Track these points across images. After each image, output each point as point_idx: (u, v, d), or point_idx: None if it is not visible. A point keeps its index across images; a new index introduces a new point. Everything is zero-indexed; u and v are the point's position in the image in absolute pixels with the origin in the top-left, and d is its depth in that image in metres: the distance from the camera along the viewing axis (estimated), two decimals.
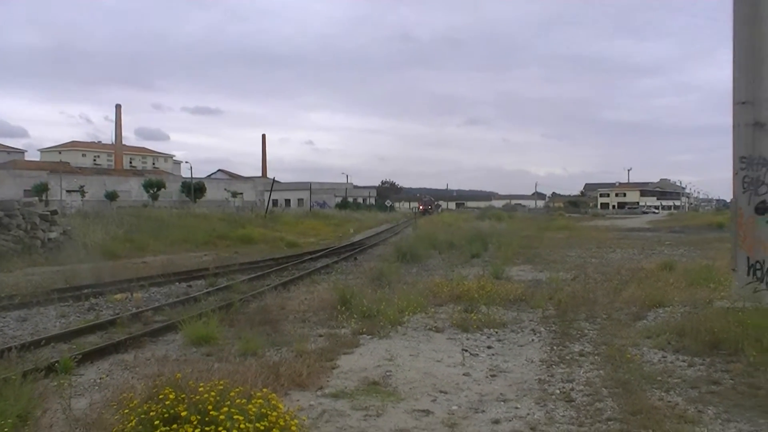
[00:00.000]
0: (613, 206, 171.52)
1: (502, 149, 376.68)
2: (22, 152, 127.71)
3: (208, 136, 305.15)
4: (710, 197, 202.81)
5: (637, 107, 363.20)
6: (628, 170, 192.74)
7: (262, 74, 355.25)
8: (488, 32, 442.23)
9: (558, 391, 8.59)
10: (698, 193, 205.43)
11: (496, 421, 7.47)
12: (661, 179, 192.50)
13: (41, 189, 63.64)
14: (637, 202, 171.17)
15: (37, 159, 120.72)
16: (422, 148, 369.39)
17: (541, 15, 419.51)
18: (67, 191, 69.06)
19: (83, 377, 9.66)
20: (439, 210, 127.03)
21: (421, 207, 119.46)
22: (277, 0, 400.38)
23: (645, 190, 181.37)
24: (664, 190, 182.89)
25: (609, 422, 7.34)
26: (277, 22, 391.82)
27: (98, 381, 9.43)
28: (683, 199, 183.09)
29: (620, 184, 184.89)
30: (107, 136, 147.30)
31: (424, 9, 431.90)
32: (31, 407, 7.28)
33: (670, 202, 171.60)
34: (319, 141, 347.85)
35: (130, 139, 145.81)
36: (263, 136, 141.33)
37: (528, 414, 7.71)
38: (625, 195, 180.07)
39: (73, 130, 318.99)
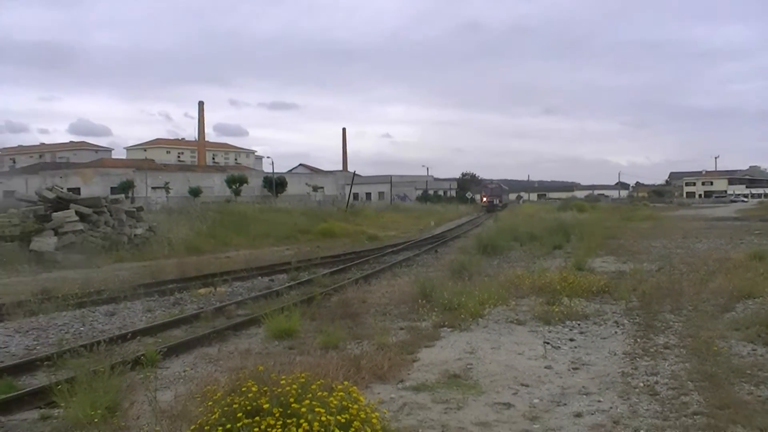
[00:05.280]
0: (700, 195, 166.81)
1: (580, 138, 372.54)
2: (109, 150, 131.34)
3: (287, 131, 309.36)
4: None
5: (719, 93, 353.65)
6: (716, 158, 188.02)
7: (336, 68, 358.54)
8: (559, 19, 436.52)
9: (642, 385, 8.44)
10: None
11: (579, 415, 7.38)
12: (750, 166, 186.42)
13: (127, 186, 65.03)
14: (725, 191, 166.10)
15: (123, 157, 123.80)
16: (499, 138, 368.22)
17: (614, 0, 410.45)
18: (152, 188, 70.49)
19: (168, 370, 9.90)
20: (521, 201, 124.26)
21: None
22: None
23: (733, 177, 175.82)
24: (754, 178, 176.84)
25: (695, 416, 7.17)
26: (349, 16, 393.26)
27: (183, 374, 9.66)
28: None
29: (707, 172, 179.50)
30: (187, 133, 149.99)
31: None
32: (119, 399, 7.51)
33: (761, 190, 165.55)
34: (396, 134, 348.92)
35: (209, 135, 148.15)
36: (344, 129, 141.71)
37: (611, 407, 7.59)
38: (712, 183, 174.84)
39: (153, 128, 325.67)
